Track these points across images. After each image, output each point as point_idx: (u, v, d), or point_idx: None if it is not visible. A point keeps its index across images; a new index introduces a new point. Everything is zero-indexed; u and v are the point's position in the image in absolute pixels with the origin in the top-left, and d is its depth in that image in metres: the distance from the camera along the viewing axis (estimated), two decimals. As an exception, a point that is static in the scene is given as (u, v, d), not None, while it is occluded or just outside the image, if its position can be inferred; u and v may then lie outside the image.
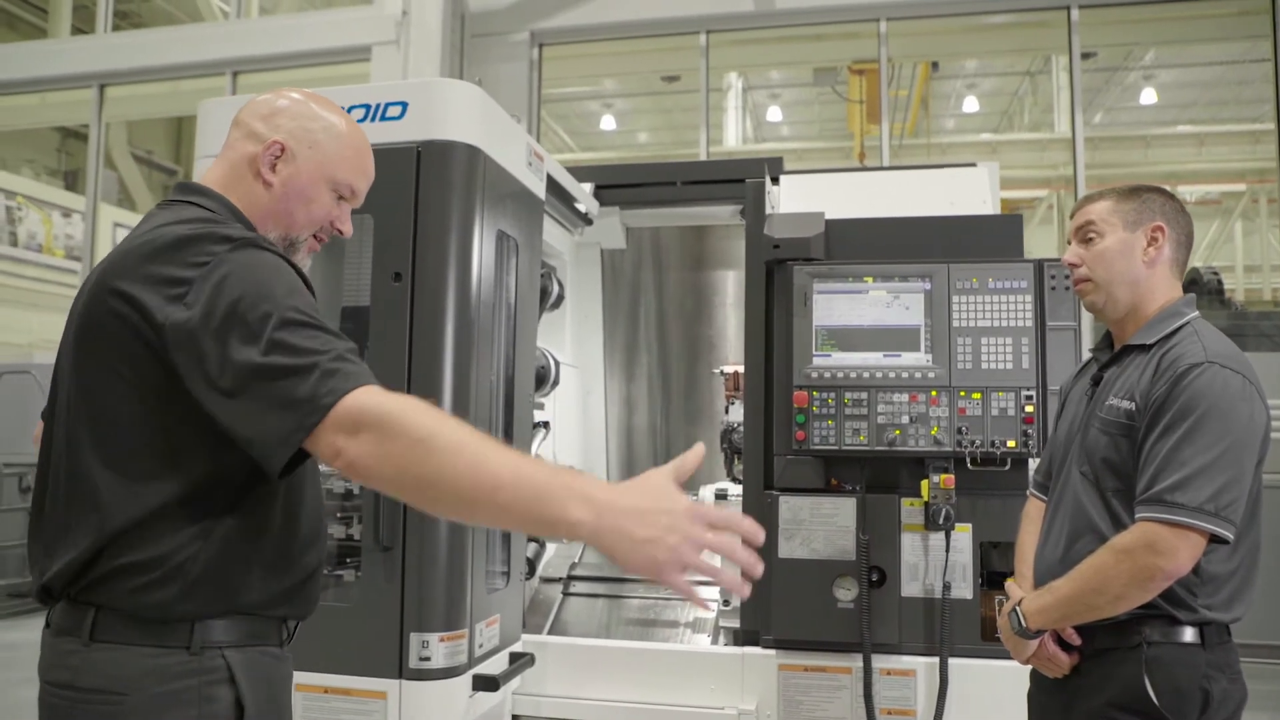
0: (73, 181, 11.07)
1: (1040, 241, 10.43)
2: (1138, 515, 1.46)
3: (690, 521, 0.92)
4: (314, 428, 1.02)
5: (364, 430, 1.00)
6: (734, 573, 0.95)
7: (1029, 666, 1.69)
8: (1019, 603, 1.62)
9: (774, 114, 10.72)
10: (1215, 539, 1.42)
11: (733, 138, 9.67)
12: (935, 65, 8.77)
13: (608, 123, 10.43)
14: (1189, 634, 1.48)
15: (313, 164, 1.27)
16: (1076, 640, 1.58)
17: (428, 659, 1.86)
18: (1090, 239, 1.64)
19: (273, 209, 1.26)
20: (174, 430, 1.11)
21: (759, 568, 0.94)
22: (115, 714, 1.08)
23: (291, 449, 1.04)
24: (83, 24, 8.96)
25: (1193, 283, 6.18)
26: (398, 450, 0.99)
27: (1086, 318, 2.17)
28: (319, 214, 1.29)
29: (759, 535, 0.96)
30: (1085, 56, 6.64)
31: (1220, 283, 6.47)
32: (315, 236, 1.31)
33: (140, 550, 1.10)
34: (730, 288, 3.26)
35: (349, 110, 1.99)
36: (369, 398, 1.02)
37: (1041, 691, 1.69)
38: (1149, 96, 10.01)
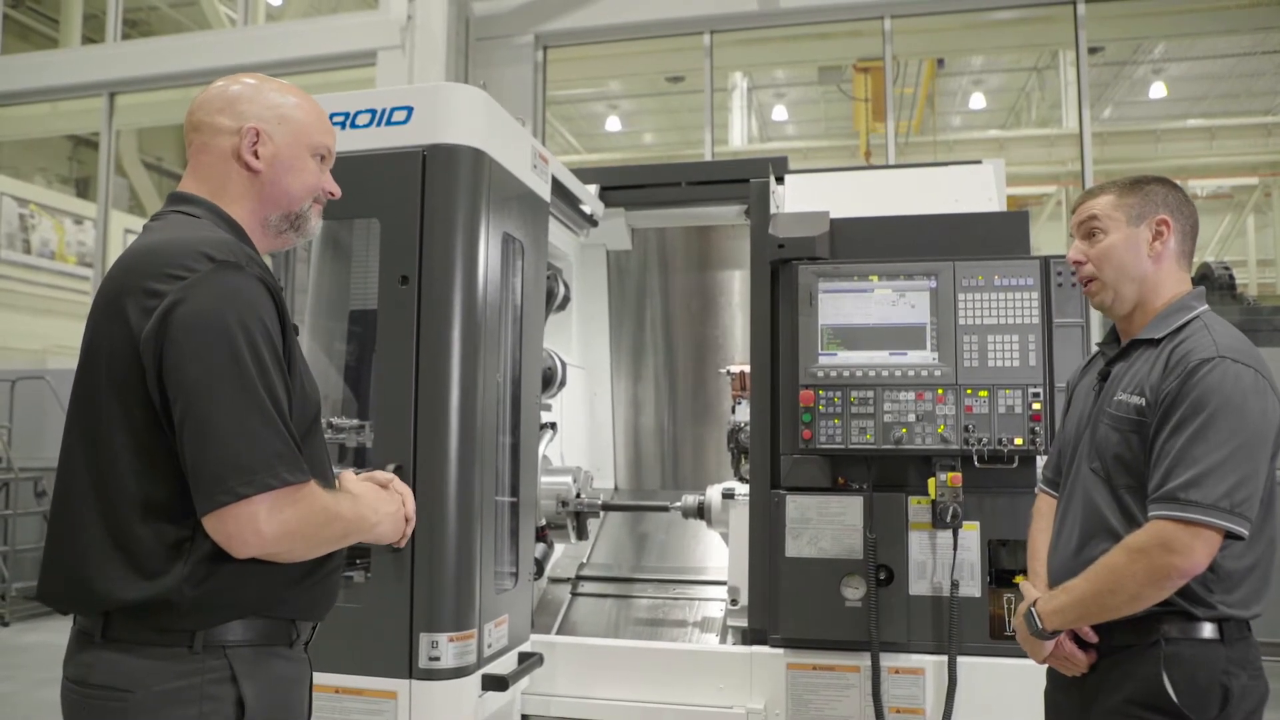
0: (84, 189, 11.18)
1: (1049, 237, 10.39)
2: (1151, 514, 1.45)
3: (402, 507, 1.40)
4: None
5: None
6: None
7: (1041, 665, 1.68)
8: (1034, 603, 1.61)
9: (779, 113, 10.71)
10: (1230, 535, 1.41)
11: (738, 137, 9.67)
12: (941, 62, 8.74)
13: (613, 124, 10.44)
14: (1208, 630, 1.46)
15: (289, 137, 1.32)
16: (1094, 639, 1.56)
17: (437, 659, 1.87)
18: (1094, 234, 1.63)
19: (267, 191, 1.30)
20: (165, 441, 1.14)
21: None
22: (121, 710, 1.11)
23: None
24: (93, 33, 9.03)
25: (1204, 277, 6.13)
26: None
27: (1094, 314, 2.15)
28: (311, 181, 1.34)
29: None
30: (1092, 51, 6.61)
31: (1232, 277, 6.40)
32: (315, 201, 1.36)
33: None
34: (736, 287, 3.26)
35: (355, 116, 2.04)
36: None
37: (1058, 690, 1.68)
38: (1158, 90, 9.93)
